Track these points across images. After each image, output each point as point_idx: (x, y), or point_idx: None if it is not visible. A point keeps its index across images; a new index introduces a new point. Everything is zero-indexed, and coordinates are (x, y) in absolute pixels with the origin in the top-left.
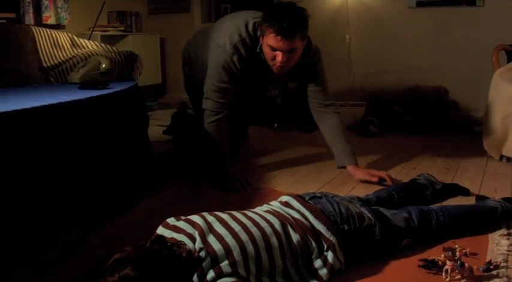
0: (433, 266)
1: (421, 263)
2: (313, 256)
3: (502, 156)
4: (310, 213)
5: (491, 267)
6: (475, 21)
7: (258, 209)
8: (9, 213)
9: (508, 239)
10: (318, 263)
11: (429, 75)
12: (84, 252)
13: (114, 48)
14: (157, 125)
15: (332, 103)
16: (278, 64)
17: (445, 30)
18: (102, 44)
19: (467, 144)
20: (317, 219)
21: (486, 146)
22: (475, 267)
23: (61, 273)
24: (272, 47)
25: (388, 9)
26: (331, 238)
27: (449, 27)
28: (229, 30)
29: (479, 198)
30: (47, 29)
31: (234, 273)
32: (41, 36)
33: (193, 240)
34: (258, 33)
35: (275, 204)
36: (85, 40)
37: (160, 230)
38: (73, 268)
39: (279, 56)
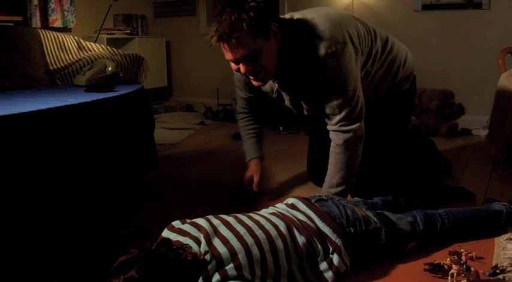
0: (438, 270)
1: (426, 267)
2: (319, 258)
3: (508, 160)
4: (316, 215)
5: (498, 271)
6: (481, 25)
7: (263, 211)
8: (12, 215)
9: None
10: (323, 265)
11: (435, 79)
12: (89, 254)
13: (120, 51)
14: (163, 127)
15: (344, 129)
16: (248, 77)
17: (450, 33)
18: (108, 47)
19: (473, 147)
20: (323, 221)
21: (492, 150)
22: (481, 271)
23: (65, 275)
24: (228, 59)
25: (394, 12)
26: (337, 241)
27: (455, 31)
28: None
29: (489, 201)
30: (54, 32)
31: (239, 276)
32: (48, 39)
33: (198, 243)
34: None
35: (281, 207)
36: (91, 43)
37: (166, 233)
38: (78, 269)
39: (241, 67)
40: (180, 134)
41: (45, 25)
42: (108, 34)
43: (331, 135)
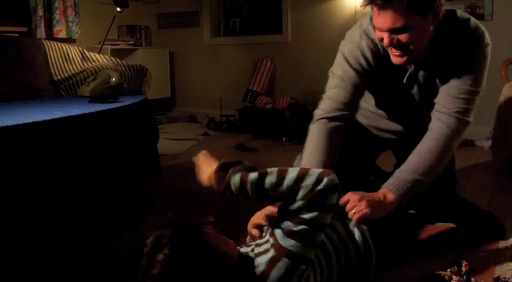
0: (438, 281)
1: (426, 278)
2: None
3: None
4: None
5: None
6: None
7: None
8: (15, 219)
9: None
10: None
11: None
12: (89, 257)
13: (124, 62)
14: (166, 138)
15: (460, 117)
16: (389, 49)
17: None
18: (112, 58)
19: (476, 158)
20: None
21: (496, 161)
22: None
23: (65, 275)
24: (375, 26)
25: None
26: None
27: None
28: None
29: None
30: (58, 43)
31: None
32: (52, 50)
33: None
34: None
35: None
36: (95, 54)
37: None
38: (77, 270)
39: (384, 37)
40: (182, 145)
41: (50, 36)
42: (112, 45)
43: (440, 119)
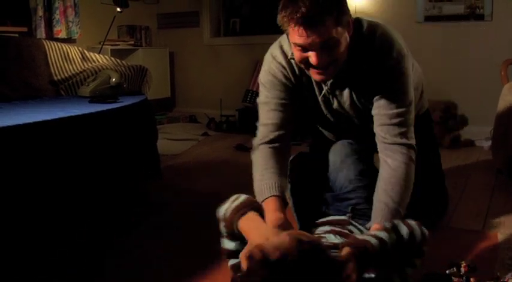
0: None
1: (425, 278)
2: None
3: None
4: None
5: None
6: (483, 36)
7: None
8: (15, 218)
9: None
10: None
11: (437, 90)
12: (89, 257)
13: (124, 62)
14: (166, 138)
15: (403, 142)
16: (315, 67)
17: (453, 44)
18: (112, 58)
19: (476, 159)
20: None
21: (495, 161)
22: None
23: (65, 275)
24: (298, 45)
25: (396, 24)
26: None
27: (458, 42)
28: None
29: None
30: (58, 43)
31: None
32: (52, 50)
33: None
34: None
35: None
36: (95, 54)
37: None
38: (77, 270)
39: (313, 56)
40: (182, 145)
41: (50, 36)
42: (112, 45)
43: (390, 150)
